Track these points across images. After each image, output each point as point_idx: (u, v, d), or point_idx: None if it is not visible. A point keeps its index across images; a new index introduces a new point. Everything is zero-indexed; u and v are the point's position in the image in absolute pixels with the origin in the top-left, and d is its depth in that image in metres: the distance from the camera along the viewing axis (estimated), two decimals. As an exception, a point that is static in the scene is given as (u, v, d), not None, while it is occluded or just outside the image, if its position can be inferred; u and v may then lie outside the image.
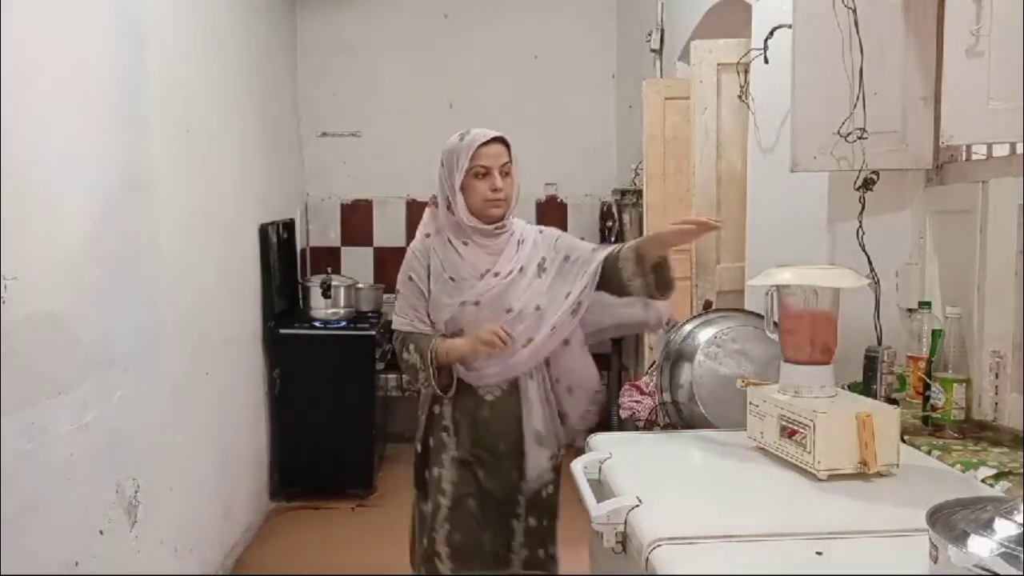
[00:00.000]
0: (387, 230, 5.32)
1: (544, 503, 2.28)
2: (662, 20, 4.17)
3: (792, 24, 2.13)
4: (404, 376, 2.36)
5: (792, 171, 2.13)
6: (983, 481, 1.52)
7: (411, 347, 2.20)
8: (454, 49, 5.23)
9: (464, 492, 2.23)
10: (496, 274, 2.19)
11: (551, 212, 5.28)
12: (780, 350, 1.71)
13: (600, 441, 1.82)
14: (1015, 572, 0.91)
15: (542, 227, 2.31)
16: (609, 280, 2.18)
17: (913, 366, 1.97)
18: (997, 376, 1.74)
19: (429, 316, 2.22)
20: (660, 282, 2.14)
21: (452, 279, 2.20)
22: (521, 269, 2.21)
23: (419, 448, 2.32)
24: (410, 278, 2.24)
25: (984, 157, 1.96)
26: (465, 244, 2.20)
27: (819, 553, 1.24)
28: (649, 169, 3.78)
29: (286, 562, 3.64)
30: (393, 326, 2.29)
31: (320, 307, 4.38)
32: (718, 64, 3.25)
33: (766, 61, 2.69)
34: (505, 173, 2.17)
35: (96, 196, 2.40)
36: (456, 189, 2.16)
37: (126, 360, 2.55)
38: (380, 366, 4.42)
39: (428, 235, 2.25)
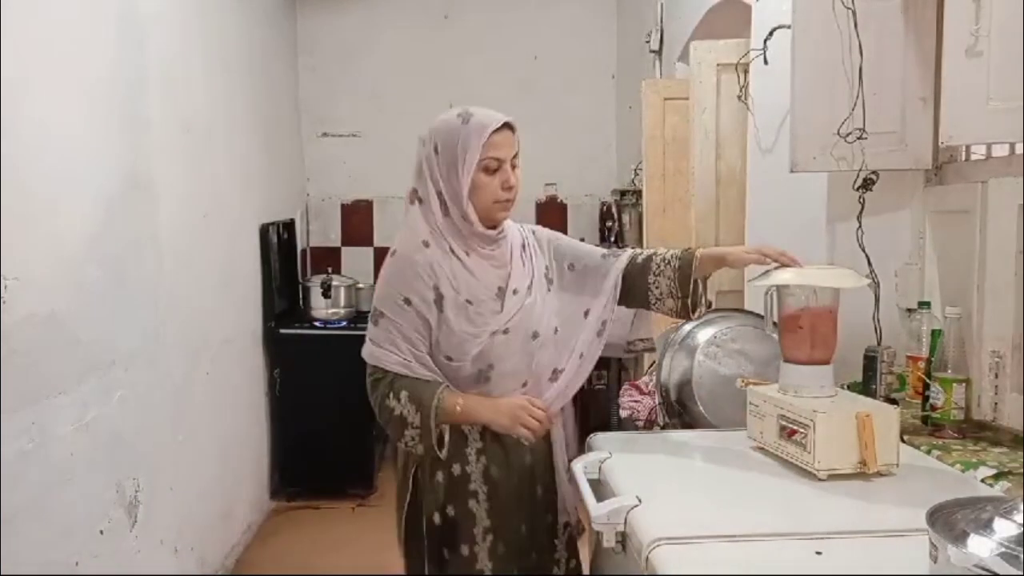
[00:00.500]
0: (387, 230, 5.31)
1: (572, 539, 1.96)
2: (662, 20, 4.17)
3: (791, 24, 2.13)
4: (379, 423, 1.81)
5: (792, 171, 2.13)
6: (983, 481, 1.52)
7: (403, 395, 1.73)
8: (454, 49, 5.23)
9: (509, 560, 1.83)
10: (515, 291, 1.80)
11: (551, 212, 5.28)
12: (780, 350, 1.71)
13: (600, 441, 1.82)
14: (1015, 572, 0.91)
15: (533, 227, 1.97)
16: (631, 294, 1.88)
17: (913, 366, 1.97)
18: (997, 376, 1.74)
19: (432, 353, 1.77)
20: (695, 302, 1.85)
21: (469, 302, 1.76)
22: (533, 282, 1.85)
23: (437, 520, 1.81)
24: (407, 301, 1.73)
25: (984, 157, 1.96)
26: (467, 255, 1.78)
27: (819, 553, 1.24)
28: (649, 169, 3.78)
29: (286, 562, 3.64)
30: (369, 358, 1.77)
31: (320, 307, 4.39)
32: (717, 64, 3.25)
33: (765, 62, 2.69)
34: (514, 166, 1.79)
35: (97, 196, 2.40)
36: (464, 187, 1.74)
37: (126, 360, 2.55)
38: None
39: (427, 243, 1.77)
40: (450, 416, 1.74)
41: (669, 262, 1.85)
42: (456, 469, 1.81)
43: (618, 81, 5.29)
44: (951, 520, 1.03)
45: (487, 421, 1.78)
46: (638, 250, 1.95)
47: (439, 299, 1.74)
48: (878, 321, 2.03)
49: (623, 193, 4.67)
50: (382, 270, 1.80)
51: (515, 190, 1.79)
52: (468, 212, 1.76)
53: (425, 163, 1.78)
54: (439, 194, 1.77)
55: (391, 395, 1.74)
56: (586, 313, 1.87)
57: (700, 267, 1.83)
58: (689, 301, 1.84)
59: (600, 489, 1.61)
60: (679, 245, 1.96)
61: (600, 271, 1.89)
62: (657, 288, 1.85)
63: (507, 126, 1.77)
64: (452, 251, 1.77)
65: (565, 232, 1.98)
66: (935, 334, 1.86)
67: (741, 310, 2.40)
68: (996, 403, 1.75)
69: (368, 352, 1.78)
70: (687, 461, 1.77)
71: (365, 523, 4.04)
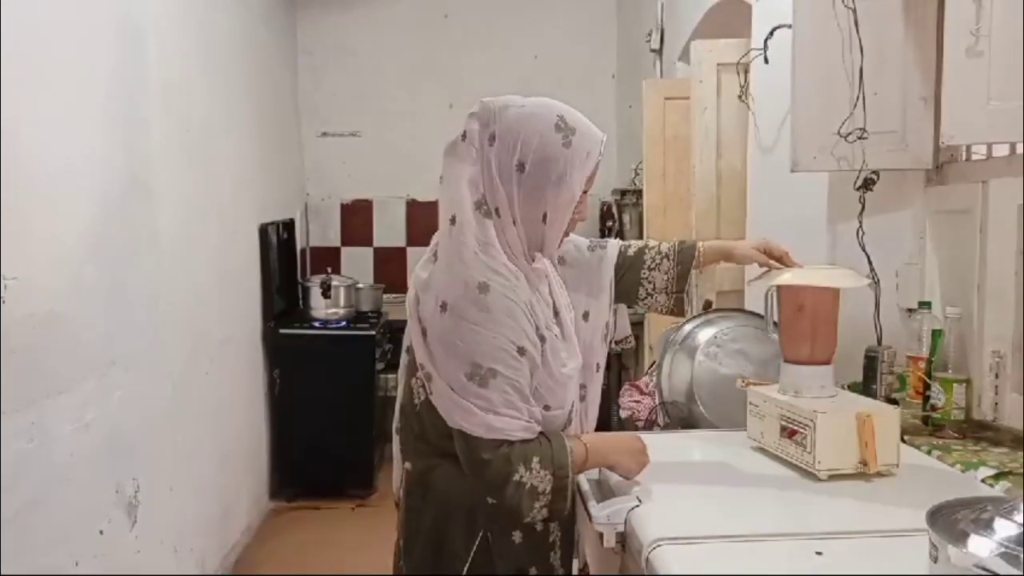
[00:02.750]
0: (387, 230, 5.32)
1: None
2: (662, 20, 4.17)
3: (792, 24, 2.13)
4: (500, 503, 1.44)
5: (792, 171, 2.13)
6: (983, 481, 1.52)
7: (534, 463, 1.40)
8: (454, 49, 5.23)
9: None
10: (564, 307, 1.60)
11: (551, 212, 5.27)
12: (780, 350, 1.70)
13: (600, 441, 1.82)
14: (1015, 572, 0.91)
15: None
16: (617, 289, 1.73)
17: (913, 366, 1.96)
18: (997, 376, 1.74)
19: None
20: (685, 297, 1.72)
21: (557, 338, 1.51)
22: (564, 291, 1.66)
23: None
24: (521, 351, 1.40)
25: (984, 157, 1.95)
26: (530, 279, 1.49)
27: (819, 553, 1.24)
28: (649, 169, 3.78)
29: (286, 562, 3.64)
30: (487, 432, 1.39)
31: (320, 307, 4.38)
32: (718, 64, 3.26)
33: (766, 61, 2.69)
34: None
35: (96, 196, 2.40)
36: (553, 228, 1.47)
37: (126, 360, 2.55)
38: (380, 366, 4.41)
39: (517, 275, 1.44)
40: (580, 468, 1.47)
41: (666, 255, 1.72)
42: (539, 524, 1.51)
43: (618, 80, 5.29)
44: (951, 520, 1.02)
45: (612, 463, 1.53)
46: (623, 242, 1.80)
47: (542, 342, 1.45)
48: (879, 321, 2.03)
49: (623, 193, 4.67)
50: (459, 309, 1.39)
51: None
52: (549, 243, 1.49)
53: (496, 169, 1.43)
54: (507, 211, 1.45)
55: (521, 466, 1.40)
56: (585, 315, 1.67)
57: (703, 260, 1.72)
58: (682, 295, 1.71)
59: (600, 489, 1.61)
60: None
61: (590, 264, 1.71)
62: (650, 283, 1.72)
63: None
64: (529, 279, 1.47)
65: (565, 232, 1.84)
66: (936, 334, 1.86)
67: (741, 310, 2.39)
68: (996, 403, 1.75)
69: (484, 424, 1.39)
70: (687, 461, 1.77)
71: (365, 523, 4.03)
